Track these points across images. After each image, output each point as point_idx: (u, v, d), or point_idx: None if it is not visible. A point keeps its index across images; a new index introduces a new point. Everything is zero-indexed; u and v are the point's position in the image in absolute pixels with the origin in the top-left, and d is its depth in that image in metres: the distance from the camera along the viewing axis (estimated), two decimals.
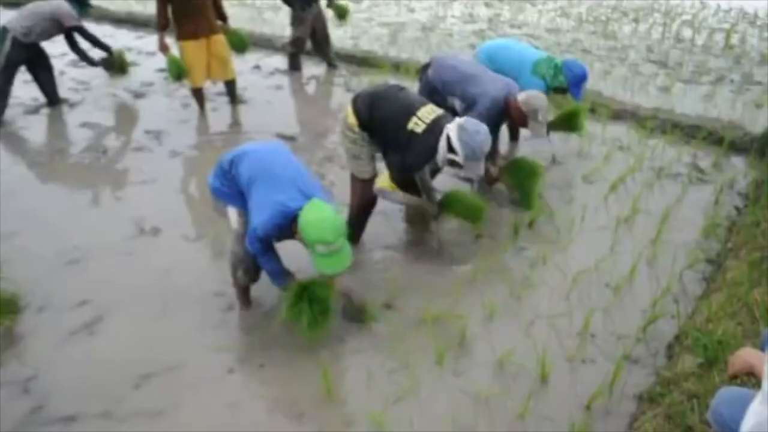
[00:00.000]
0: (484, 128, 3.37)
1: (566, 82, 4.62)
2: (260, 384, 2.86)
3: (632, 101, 6.29)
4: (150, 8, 10.85)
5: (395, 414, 2.66)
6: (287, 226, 2.85)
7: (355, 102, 3.61)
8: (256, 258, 3.03)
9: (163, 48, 5.70)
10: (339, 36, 8.81)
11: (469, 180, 4.55)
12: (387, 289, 3.47)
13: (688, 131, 5.55)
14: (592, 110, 6.01)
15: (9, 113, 6.12)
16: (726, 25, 9.93)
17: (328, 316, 2.97)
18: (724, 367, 2.54)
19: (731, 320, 2.96)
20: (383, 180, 3.65)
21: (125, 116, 6.12)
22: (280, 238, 2.98)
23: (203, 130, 5.83)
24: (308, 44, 7.47)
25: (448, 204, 3.90)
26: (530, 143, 5.20)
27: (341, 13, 7.88)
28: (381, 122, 3.52)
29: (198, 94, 6.08)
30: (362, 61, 7.83)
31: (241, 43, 6.36)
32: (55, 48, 8.50)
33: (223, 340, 3.12)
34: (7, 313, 3.20)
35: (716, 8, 11.95)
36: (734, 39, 9.01)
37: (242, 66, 7.44)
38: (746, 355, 1.96)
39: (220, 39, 5.87)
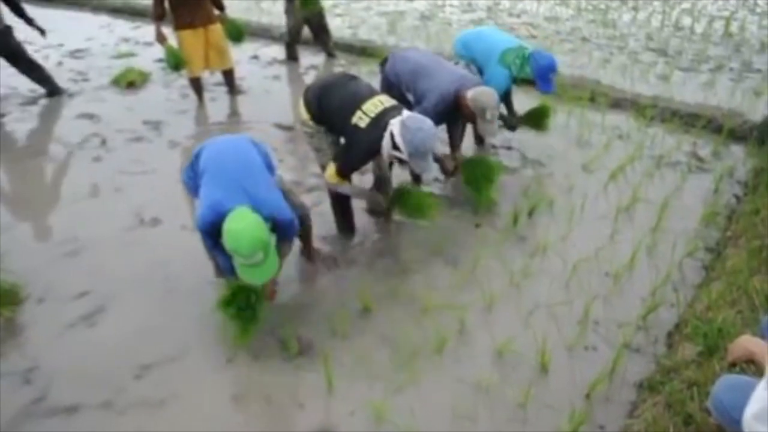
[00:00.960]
0: (428, 124, 3.21)
1: (532, 74, 4.44)
2: (261, 374, 2.86)
3: (632, 89, 6.27)
4: None
5: (396, 403, 2.67)
6: (218, 225, 2.74)
7: (306, 94, 3.56)
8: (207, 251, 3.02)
9: (161, 38, 5.66)
10: (337, 25, 8.76)
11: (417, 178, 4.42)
12: (388, 279, 3.48)
13: (688, 119, 5.54)
14: (592, 99, 6.00)
15: (6, 104, 6.10)
16: (725, 13, 9.88)
17: (255, 323, 2.92)
18: (723, 355, 2.55)
19: (731, 308, 2.96)
20: (329, 173, 3.47)
21: (123, 107, 6.09)
22: (214, 237, 2.86)
23: (202, 121, 5.81)
24: (309, 34, 7.43)
25: (399, 200, 3.78)
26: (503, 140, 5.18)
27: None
28: (329, 114, 3.45)
29: (196, 84, 6.05)
30: (361, 51, 7.79)
31: (237, 33, 6.31)
32: (52, 38, 8.50)
33: (223, 331, 3.12)
34: (8, 304, 3.21)
35: None
36: (734, 27, 8.96)
37: (240, 56, 7.40)
38: (746, 343, 1.97)
39: (217, 28, 5.84)
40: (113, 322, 3.18)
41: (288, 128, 5.52)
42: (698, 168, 4.79)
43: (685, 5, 10.65)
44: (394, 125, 3.20)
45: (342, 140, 3.53)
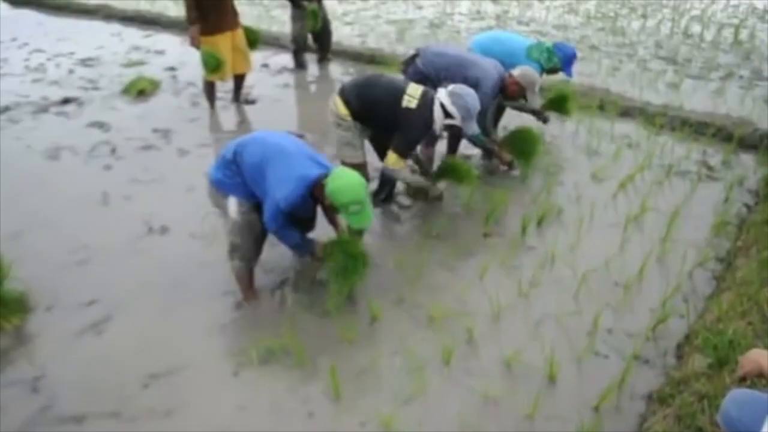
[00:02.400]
0: (471, 90, 3.78)
1: (559, 63, 4.92)
2: (269, 383, 2.86)
3: (641, 98, 6.25)
4: (158, 6, 10.92)
5: (404, 414, 2.66)
6: (308, 195, 3.09)
7: (343, 93, 3.88)
8: (278, 234, 3.20)
9: (197, 42, 5.65)
10: (346, 33, 8.80)
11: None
12: (396, 288, 3.47)
13: (698, 128, 5.51)
14: (601, 107, 5.99)
15: (18, 112, 6.15)
16: (735, 21, 9.83)
17: (365, 265, 3.28)
18: (734, 367, 2.51)
19: (741, 320, 2.94)
20: (390, 159, 3.78)
21: (134, 115, 6.12)
22: (300, 209, 3.16)
23: (211, 129, 5.83)
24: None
25: (444, 171, 4.29)
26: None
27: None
28: (373, 106, 3.79)
29: (210, 90, 6.10)
30: (370, 59, 7.80)
31: (254, 39, 6.37)
32: (63, 46, 8.58)
33: (231, 340, 3.13)
34: (16, 312, 3.22)
35: (725, 3, 11.85)
36: (743, 34, 8.93)
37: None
38: (757, 356, 1.95)
39: (241, 33, 5.93)
40: (121, 331, 3.19)
41: (299, 135, 5.51)
42: (708, 177, 4.76)
43: (695, 13, 10.62)
44: (442, 97, 3.72)
45: (372, 139, 4.04)
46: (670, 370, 2.87)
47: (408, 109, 3.68)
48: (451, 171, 4.28)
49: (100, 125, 5.84)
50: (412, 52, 4.79)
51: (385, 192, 4.34)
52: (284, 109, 6.29)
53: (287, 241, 3.27)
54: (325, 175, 3.08)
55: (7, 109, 6.22)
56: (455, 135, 4.65)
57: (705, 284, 3.54)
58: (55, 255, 3.79)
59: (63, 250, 3.83)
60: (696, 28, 9.44)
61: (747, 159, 5.07)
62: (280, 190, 3.02)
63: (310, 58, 7.74)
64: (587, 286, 3.48)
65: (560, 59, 4.92)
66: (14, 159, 5.14)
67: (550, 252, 3.77)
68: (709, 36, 9.01)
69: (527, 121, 5.24)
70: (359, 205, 3.04)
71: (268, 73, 7.41)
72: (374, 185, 4.30)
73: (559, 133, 5.52)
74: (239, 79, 6.25)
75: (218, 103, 6.29)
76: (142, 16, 10.38)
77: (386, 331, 3.17)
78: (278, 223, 3.13)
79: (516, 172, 4.84)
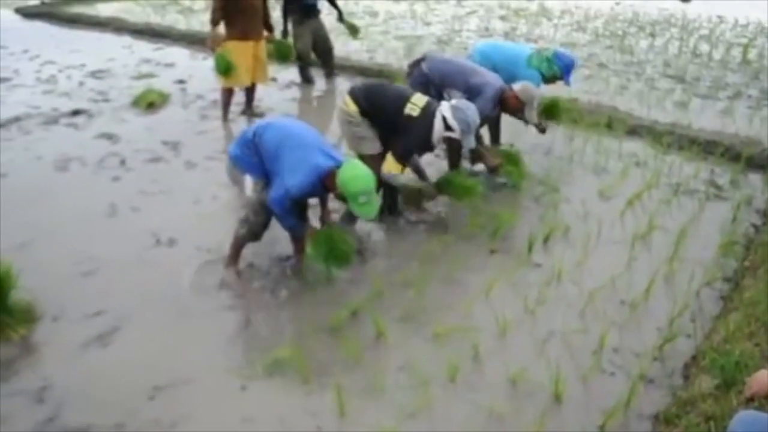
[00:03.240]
0: (472, 106, 3.96)
1: (559, 72, 5.04)
2: (274, 398, 2.85)
3: (649, 116, 6.27)
4: (168, 19, 11.02)
5: (409, 430, 2.65)
6: (318, 183, 3.35)
7: (353, 93, 4.09)
8: (279, 215, 3.46)
9: (215, 43, 5.70)
10: (355, 49, 8.86)
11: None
12: (401, 304, 3.47)
13: (706, 147, 5.52)
14: (608, 125, 6.00)
15: (29, 123, 6.20)
16: (743, 40, 9.87)
17: (349, 256, 3.54)
18: (742, 388, 2.49)
19: (749, 340, 2.92)
20: (388, 164, 3.92)
21: (143, 127, 6.17)
22: (310, 197, 3.53)
23: (220, 141, 5.85)
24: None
25: (444, 184, 4.32)
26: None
27: (353, 31, 8.00)
28: (379, 109, 3.98)
29: (228, 97, 6.16)
30: (378, 74, 7.85)
31: (286, 52, 6.50)
32: (74, 58, 8.66)
33: (237, 353, 3.13)
34: (23, 322, 3.22)
35: (734, 23, 11.90)
36: (752, 54, 8.96)
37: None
38: (764, 377, 1.94)
39: (263, 44, 6.04)
40: (127, 343, 3.19)
41: None
42: (716, 196, 4.76)
43: (703, 32, 10.67)
44: (444, 111, 3.88)
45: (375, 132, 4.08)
46: (677, 390, 2.85)
47: (410, 117, 3.87)
48: (452, 186, 4.31)
49: (110, 137, 5.88)
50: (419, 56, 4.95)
51: (386, 202, 4.31)
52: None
53: (285, 222, 3.54)
54: (337, 167, 3.32)
55: (17, 119, 6.27)
56: (455, 149, 4.69)
57: (712, 304, 3.52)
58: (62, 266, 3.80)
59: (70, 261, 3.84)
60: (704, 47, 9.47)
61: (755, 179, 5.06)
62: (293, 177, 3.30)
63: (317, 73, 7.79)
64: (594, 304, 3.47)
65: (560, 68, 5.03)
66: (24, 169, 5.17)
67: (557, 269, 3.76)
68: (717, 55, 9.04)
69: (532, 137, 5.25)
70: (367, 195, 3.29)
71: (277, 87, 7.46)
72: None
73: (567, 150, 5.52)
74: (251, 92, 6.30)
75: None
76: (153, 29, 10.49)
77: (391, 347, 3.16)
78: (283, 207, 3.40)
79: (502, 179, 4.85)
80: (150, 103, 6.73)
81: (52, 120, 6.32)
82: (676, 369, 3.03)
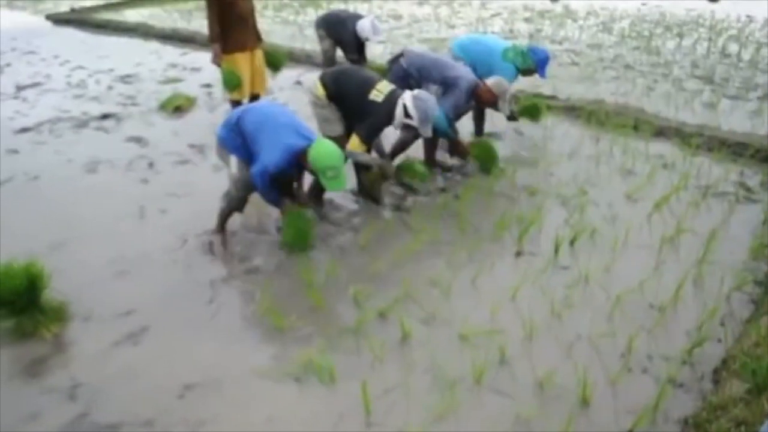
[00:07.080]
0: (432, 98, 4.27)
1: (534, 65, 5.36)
2: (302, 399, 2.86)
3: (676, 118, 6.19)
4: (194, 24, 11.16)
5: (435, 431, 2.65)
6: (294, 161, 3.75)
7: (323, 78, 4.40)
8: (261, 190, 3.83)
9: (219, 59, 5.75)
10: (379, 52, 8.88)
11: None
12: (427, 305, 3.47)
13: (735, 148, 5.44)
14: (635, 127, 5.95)
15: (60, 126, 6.32)
16: None
17: (309, 233, 3.99)
18: None
19: None
20: (353, 143, 4.24)
21: (170, 130, 6.25)
22: (286, 173, 3.89)
23: None
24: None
25: (402, 169, 4.68)
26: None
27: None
28: (346, 93, 4.29)
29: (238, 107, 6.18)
30: None
31: (278, 63, 6.54)
32: (103, 63, 8.81)
33: (266, 353, 3.15)
34: (55, 321, 3.29)
35: (763, 22, 11.71)
36: None
37: (284, 82, 7.59)
38: None
39: (260, 53, 6.03)
40: (157, 342, 3.23)
41: None
42: (746, 198, 4.69)
43: (732, 32, 10.51)
44: (407, 99, 4.16)
45: (342, 116, 4.41)
46: (707, 394, 2.81)
47: (373, 102, 4.18)
48: (406, 170, 4.68)
49: (138, 140, 5.97)
50: (397, 51, 5.27)
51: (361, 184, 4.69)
52: (315, 125, 6.34)
53: (267, 197, 3.92)
54: (309, 146, 3.72)
55: (49, 123, 6.40)
56: (429, 140, 4.97)
57: (743, 308, 3.47)
58: (93, 266, 3.87)
59: (101, 262, 3.91)
60: (733, 48, 9.34)
61: None
62: (270, 156, 3.68)
63: None
64: (621, 307, 3.43)
65: (534, 62, 5.35)
66: (56, 172, 5.28)
67: (584, 272, 3.74)
68: (746, 55, 8.91)
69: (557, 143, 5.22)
70: (335, 170, 3.70)
71: (302, 91, 7.50)
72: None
73: (593, 152, 5.48)
74: (253, 101, 6.32)
75: None
76: (179, 34, 10.64)
77: (417, 349, 3.16)
78: (264, 182, 3.76)
79: (469, 167, 5.19)
80: (177, 107, 6.83)
81: (82, 123, 6.44)
82: (705, 373, 2.98)
